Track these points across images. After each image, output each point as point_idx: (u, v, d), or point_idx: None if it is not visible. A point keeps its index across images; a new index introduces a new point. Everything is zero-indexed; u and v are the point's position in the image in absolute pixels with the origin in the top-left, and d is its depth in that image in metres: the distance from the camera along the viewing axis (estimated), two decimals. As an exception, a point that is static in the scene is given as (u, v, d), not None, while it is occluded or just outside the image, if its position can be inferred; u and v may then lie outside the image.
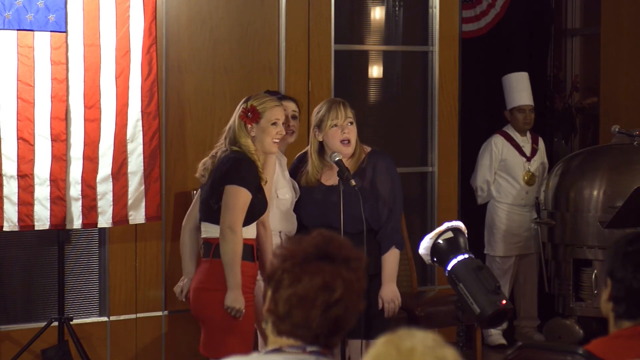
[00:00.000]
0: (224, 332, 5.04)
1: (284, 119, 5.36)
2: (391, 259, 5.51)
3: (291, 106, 5.69)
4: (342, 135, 5.46)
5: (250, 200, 5.06)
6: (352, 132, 5.48)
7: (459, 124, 7.61)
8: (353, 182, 5.26)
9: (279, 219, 5.49)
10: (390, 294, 5.48)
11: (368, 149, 5.60)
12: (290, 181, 5.59)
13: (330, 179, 5.53)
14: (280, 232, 5.52)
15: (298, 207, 5.58)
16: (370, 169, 5.52)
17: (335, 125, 5.47)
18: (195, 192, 5.65)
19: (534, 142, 7.99)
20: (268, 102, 5.20)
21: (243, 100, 5.26)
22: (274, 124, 5.19)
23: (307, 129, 6.91)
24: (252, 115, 5.12)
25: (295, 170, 5.66)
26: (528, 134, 7.98)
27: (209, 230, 5.14)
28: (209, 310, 5.07)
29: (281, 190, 5.46)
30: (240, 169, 5.05)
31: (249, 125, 5.14)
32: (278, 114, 5.22)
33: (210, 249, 5.11)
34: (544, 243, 7.63)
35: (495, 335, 7.80)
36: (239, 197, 5.01)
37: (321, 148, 5.53)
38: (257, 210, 5.12)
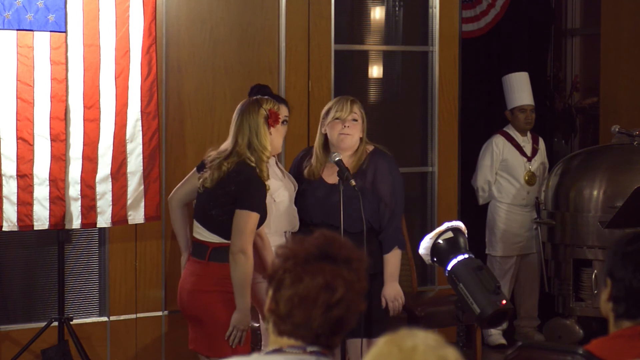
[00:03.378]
0: (224, 333, 5.07)
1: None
2: (393, 259, 5.54)
3: (285, 111, 5.69)
4: (342, 129, 5.48)
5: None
6: (353, 129, 5.49)
7: (459, 124, 7.61)
8: (353, 182, 5.26)
9: (280, 219, 5.49)
10: (393, 292, 5.51)
11: (371, 147, 5.60)
12: (286, 177, 5.60)
13: (332, 175, 5.53)
14: (285, 232, 5.52)
15: (299, 202, 5.58)
16: (371, 170, 5.52)
17: (338, 118, 5.50)
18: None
19: (535, 142, 8.00)
20: (275, 103, 5.29)
21: (251, 103, 5.20)
22: (283, 122, 5.35)
23: (308, 129, 6.92)
24: (275, 119, 5.21)
25: (299, 164, 5.67)
26: (529, 134, 7.99)
27: (203, 234, 5.16)
28: (209, 312, 5.09)
29: (277, 193, 5.46)
30: (251, 191, 5.09)
31: (272, 128, 5.21)
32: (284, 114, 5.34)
33: (206, 252, 5.13)
34: (544, 243, 7.63)
35: (495, 335, 7.80)
36: (250, 222, 5.06)
37: (326, 142, 5.55)
38: (259, 225, 5.17)
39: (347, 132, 5.48)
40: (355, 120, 5.51)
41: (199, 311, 5.12)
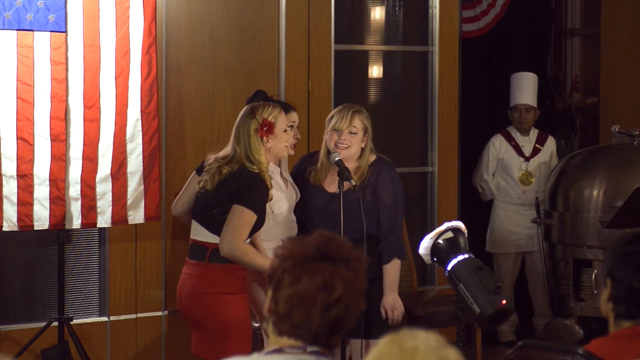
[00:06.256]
0: (226, 334, 5.04)
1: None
2: (393, 269, 5.51)
3: (296, 117, 5.67)
4: (338, 140, 5.43)
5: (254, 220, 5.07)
6: (349, 141, 5.43)
7: (459, 124, 7.61)
8: (353, 182, 5.25)
9: (277, 229, 5.46)
10: (391, 302, 5.48)
11: (373, 157, 5.56)
12: (289, 187, 5.56)
13: (333, 184, 5.50)
14: (282, 240, 5.50)
15: (300, 210, 5.56)
16: (373, 180, 5.49)
17: (336, 129, 5.45)
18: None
19: (539, 142, 8.00)
20: (274, 110, 5.16)
21: (247, 112, 5.18)
22: (286, 130, 5.21)
23: (307, 129, 6.92)
24: (268, 129, 5.11)
25: (302, 170, 5.63)
26: (532, 134, 8.00)
27: (202, 234, 5.13)
28: (210, 314, 5.06)
29: (276, 205, 5.42)
30: (252, 190, 5.04)
31: (265, 138, 5.13)
32: (286, 120, 5.25)
33: (205, 254, 5.10)
34: (544, 243, 7.64)
35: (507, 331, 7.81)
36: (243, 218, 5.01)
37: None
38: (255, 228, 5.12)
39: (342, 145, 5.44)
40: (354, 133, 5.45)
41: (199, 313, 5.10)
